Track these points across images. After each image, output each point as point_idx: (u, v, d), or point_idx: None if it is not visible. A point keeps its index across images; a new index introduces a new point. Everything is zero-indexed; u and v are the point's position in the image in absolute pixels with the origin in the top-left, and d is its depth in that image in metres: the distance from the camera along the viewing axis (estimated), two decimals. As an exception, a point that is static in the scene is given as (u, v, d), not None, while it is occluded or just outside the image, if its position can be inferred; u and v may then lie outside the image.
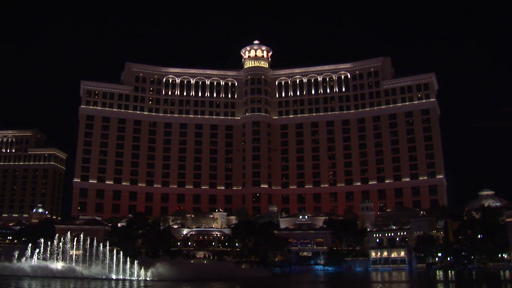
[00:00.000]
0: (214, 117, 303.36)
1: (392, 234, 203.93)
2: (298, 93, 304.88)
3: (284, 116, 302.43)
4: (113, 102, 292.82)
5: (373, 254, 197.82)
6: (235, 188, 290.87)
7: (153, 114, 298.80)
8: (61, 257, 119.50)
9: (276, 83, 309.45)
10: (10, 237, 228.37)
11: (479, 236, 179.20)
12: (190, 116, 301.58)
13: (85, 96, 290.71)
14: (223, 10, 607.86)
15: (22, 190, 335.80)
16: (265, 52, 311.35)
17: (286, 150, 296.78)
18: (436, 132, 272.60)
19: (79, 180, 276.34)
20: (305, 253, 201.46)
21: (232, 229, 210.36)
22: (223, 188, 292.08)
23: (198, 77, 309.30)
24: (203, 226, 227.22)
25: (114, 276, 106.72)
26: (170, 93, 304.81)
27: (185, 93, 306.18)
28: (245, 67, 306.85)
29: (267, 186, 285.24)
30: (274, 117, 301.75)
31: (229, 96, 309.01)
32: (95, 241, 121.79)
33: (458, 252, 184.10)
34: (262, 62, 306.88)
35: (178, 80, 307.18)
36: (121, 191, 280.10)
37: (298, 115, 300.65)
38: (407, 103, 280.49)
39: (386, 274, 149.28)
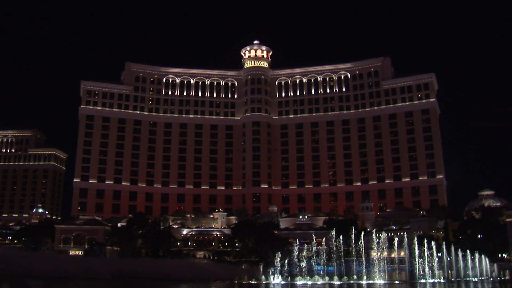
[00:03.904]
0: (214, 117, 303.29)
1: (392, 234, 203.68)
2: (298, 93, 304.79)
3: (284, 116, 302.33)
4: (113, 102, 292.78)
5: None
6: (235, 188, 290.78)
7: (153, 114, 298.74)
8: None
9: (276, 83, 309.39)
10: (10, 237, 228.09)
11: (479, 236, 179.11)
12: (190, 116, 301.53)
13: (85, 96, 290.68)
14: (223, 10, 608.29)
15: (22, 190, 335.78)
16: (265, 52, 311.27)
17: (286, 150, 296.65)
18: (436, 132, 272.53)
19: (79, 180, 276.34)
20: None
21: (232, 229, 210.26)
22: (223, 188, 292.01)
23: (198, 77, 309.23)
24: (203, 226, 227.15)
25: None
26: (170, 93, 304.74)
27: (185, 93, 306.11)
28: (245, 67, 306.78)
29: (267, 186, 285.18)
30: (274, 117, 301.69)
31: (229, 96, 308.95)
32: None
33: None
34: (262, 62, 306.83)
35: (178, 80, 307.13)
36: (121, 191, 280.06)
37: (298, 115, 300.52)
38: (407, 103, 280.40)
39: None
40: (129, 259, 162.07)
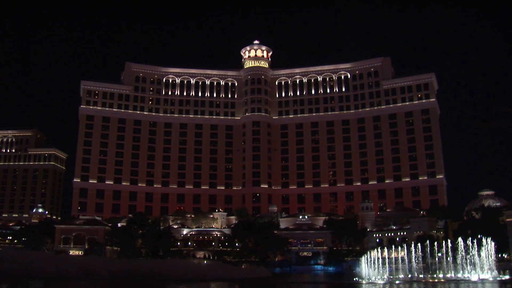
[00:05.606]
0: (214, 117, 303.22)
1: (392, 234, 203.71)
2: (298, 93, 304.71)
3: (284, 116, 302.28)
4: (113, 102, 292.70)
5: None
6: (235, 188, 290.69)
7: (153, 114, 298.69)
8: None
9: (276, 83, 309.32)
10: (10, 237, 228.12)
11: (479, 236, 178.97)
12: (190, 116, 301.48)
13: (85, 96, 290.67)
14: (223, 10, 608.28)
15: (22, 190, 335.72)
16: (265, 52, 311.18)
17: (286, 150, 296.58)
18: (436, 132, 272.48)
19: (79, 180, 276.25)
20: (305, 253, 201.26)
21: (232, 229, 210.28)
22: (223, 188, 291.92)
23: (198, 77, 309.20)
24: (203, 226, 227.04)
25: None
26: (170, 93, 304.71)
27: (185, 93, 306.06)
28: (245, 67, 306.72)
29: (267, 186, 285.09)
30: (274, 117, 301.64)
31: (229, 96, 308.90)
32: None
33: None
34: (262, 62, 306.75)
35: (178, 80, 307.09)
36: (121, 191, 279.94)
37: (298, 115, 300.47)
38: (407, 103, 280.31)
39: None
40: (128, 259, 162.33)
